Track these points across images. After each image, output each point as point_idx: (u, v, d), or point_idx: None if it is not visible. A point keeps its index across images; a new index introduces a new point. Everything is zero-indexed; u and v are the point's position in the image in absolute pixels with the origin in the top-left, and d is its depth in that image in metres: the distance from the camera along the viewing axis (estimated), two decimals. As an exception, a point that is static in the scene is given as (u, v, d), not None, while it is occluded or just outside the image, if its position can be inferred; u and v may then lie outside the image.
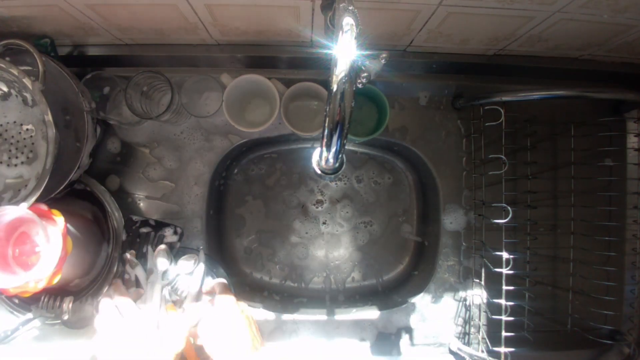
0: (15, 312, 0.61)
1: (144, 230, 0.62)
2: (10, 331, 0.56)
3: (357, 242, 0.81)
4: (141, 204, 0.69)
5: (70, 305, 0.57)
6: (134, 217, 0.64)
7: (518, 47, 0.65)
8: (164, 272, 0.56)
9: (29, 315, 0.57)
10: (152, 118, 0.63)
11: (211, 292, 0.55)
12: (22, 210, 0.50)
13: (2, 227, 0.51)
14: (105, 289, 0.63)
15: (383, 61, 0.41)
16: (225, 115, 0.65)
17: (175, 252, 0.62)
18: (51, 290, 0.56)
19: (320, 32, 0.60)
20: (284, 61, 0.68)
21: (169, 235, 0.63)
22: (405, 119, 0.73)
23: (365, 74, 0.42)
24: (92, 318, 0.60)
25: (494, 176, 0.63)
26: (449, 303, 0.71)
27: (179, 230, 0.65)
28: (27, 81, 0.51)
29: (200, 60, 0.68)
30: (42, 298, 0.57)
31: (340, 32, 0.35)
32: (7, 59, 0.53)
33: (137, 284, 0.55)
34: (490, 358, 0.59)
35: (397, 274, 0.80)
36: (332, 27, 0.45)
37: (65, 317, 0.57)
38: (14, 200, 0.56)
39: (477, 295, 0.70)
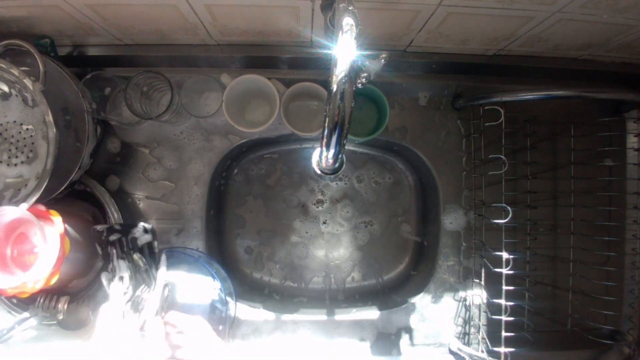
0: (13, 312, 0.61)
1: (113, 237, 0.56)
2: (6, 330, 0.56)
3: (357, 241, 0.80)
4: (141, 205, 0.69)
5: (66, 305, 0.57)
6: (99, 227, 0.58)
7: (518, 47, 0.65)
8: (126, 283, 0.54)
9: (25, 314, 0.57)
10: (152, 118, 0.63)
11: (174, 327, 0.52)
12: (20, 211, 0.50)
13: (1, 228, 0.51)
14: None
15: (383, 61, 0.41)
16: (225, 116, 0.65)
17: (157, 252, 0.58)
18: (49, 290, 0.56)
19: (320, 32, 0.60)
20: (284, 61, 0.68)
21: (139, 235, 0.57)
22: (405, 119, 0.72)
23: (365, 74, 0.42)
24: (88, 320, 0.60)
25: (494, 176, 0.63)
26: (448, 303, 0.71)
27: (147, 227, 0.59)
28: (27, 81, 0.51)
29: (200, 60, 0.68)
30: (39, 298, 0.57)
31: (340, 32, 0.35)
32: (8, 59, 0.53)
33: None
34: (490, 358, 0.59)
35: (397, 274, 0.80)
36: (332, 27, 0.45)
37: (60, 317, 0.57)
38: (15, 199, 0.57)
39: (477, 295, 0.70)
